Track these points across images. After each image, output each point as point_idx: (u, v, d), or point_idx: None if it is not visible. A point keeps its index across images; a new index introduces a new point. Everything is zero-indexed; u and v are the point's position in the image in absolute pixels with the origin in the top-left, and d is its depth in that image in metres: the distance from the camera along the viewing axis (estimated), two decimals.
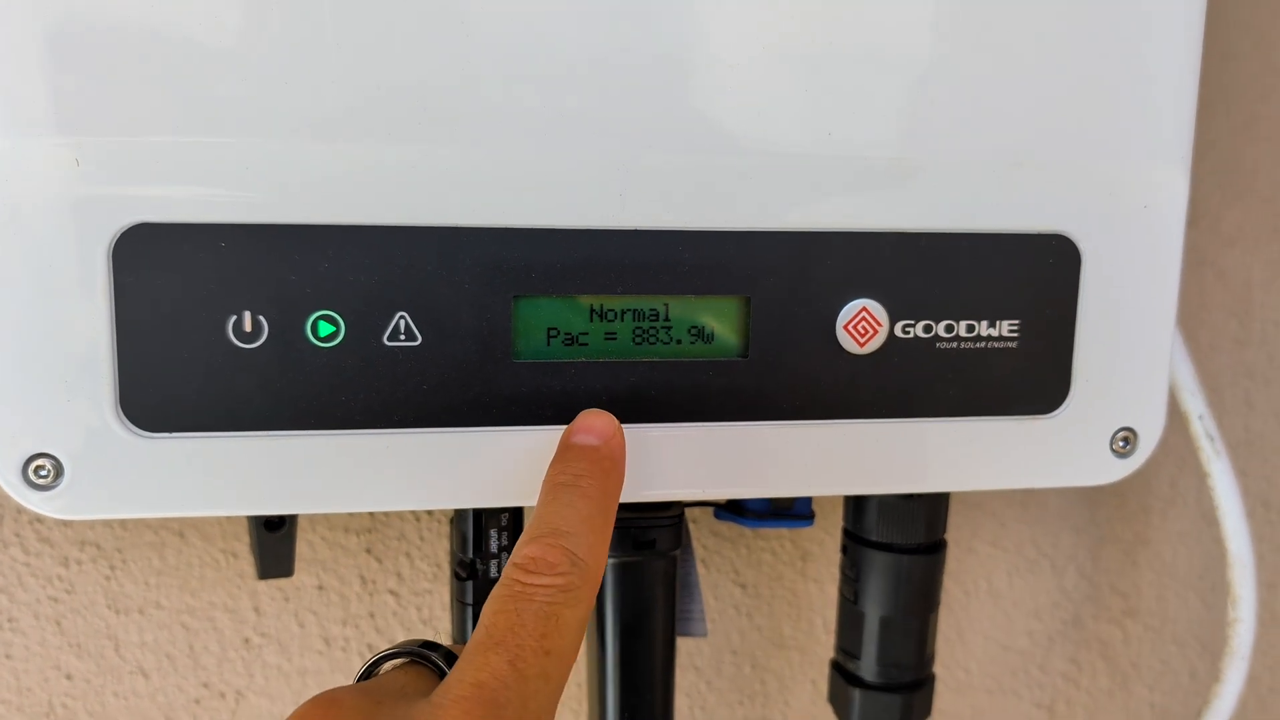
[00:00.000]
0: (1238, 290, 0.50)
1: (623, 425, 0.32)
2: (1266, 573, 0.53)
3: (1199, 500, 0.51)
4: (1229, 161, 0.49)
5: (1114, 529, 0.51)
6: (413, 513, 0.44)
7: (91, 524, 0.41)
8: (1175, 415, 0.43)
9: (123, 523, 0.42)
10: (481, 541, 0.35)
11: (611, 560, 0.35)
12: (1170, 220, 0.34)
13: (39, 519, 0.41)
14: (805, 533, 0.48)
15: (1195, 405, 0.43)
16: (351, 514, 0.43)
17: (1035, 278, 0.33)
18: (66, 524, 0.41)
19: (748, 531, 0.47)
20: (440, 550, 0.44)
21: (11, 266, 0.28)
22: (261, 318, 0.30)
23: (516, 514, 0.36)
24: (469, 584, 0.35)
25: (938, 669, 0.50)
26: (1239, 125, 0.49)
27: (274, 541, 0.34)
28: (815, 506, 0.41)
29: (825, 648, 0.49)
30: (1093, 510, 0.51)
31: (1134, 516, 0.51)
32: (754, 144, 0.31)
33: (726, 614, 0.48)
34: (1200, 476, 0.50)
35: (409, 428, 0.31)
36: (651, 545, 0.35)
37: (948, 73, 0.32)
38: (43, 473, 0.30)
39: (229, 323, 0.30)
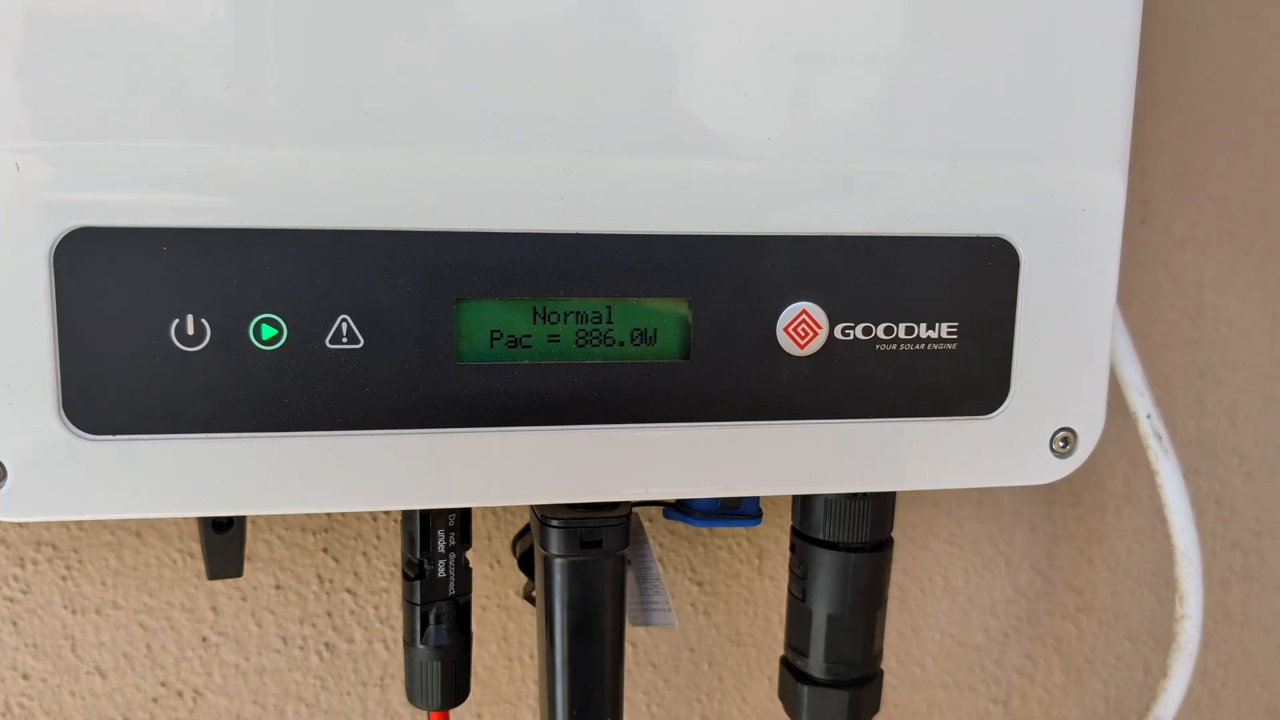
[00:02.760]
0: (1189, 290, 0.51)
1: (567, 427, 0.32)
2: (1219, 570, 0.54)
3: (1152, 498, 0.52)
4: (1181, 162, 0.49)
5: (1068, 526, 0.52)
6: (370, 512, 0.44)
7: (47, 524, 0.41)
8: (1125, 414, 0.43)
9: (79, 523, 0.42)
10: (429, 542, 0.35)
11: (560, 559, 0.36)
12: (1108, 222, 0.34)
13: None
14: (761, 530, 0.48)
15: (1143, 405, 0.43)
16: (309, 514, 0.44)
17: (974, 280, 0.34)
18: (22, 524, 0.41)
19: (704, 529, 0.48)
20: (398, 549, 0.45)
21: None
22: (204, 321, 0.30)
23: (464, 515, 0.36)
24: (417, 584, 0.35)
25: (894, 665, 0.51)
26: (1191, 126, 0.49)
27: (222, 542, 0.34)
28: (769, 504, 0.41)
29: (781, 644, 0.50)
30: (1048, 508, 0.51)
31: (1088, 514, 0.52)
32: (694, 149, 0.32)
33: (683, 611, 0.48)
34: (1153, 475, 0.51)
35: (352, 430, 0.31)
36: (598, 545, 0.36)
37: (886, 78, 0.32)
38: None
39: (172, 326, 0.30)
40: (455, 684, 0.36)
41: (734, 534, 0.48)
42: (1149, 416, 0.44)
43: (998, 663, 0.52)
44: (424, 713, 0.46)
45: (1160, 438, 0.44)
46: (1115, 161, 0.34)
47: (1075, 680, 0.53)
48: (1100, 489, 0.51)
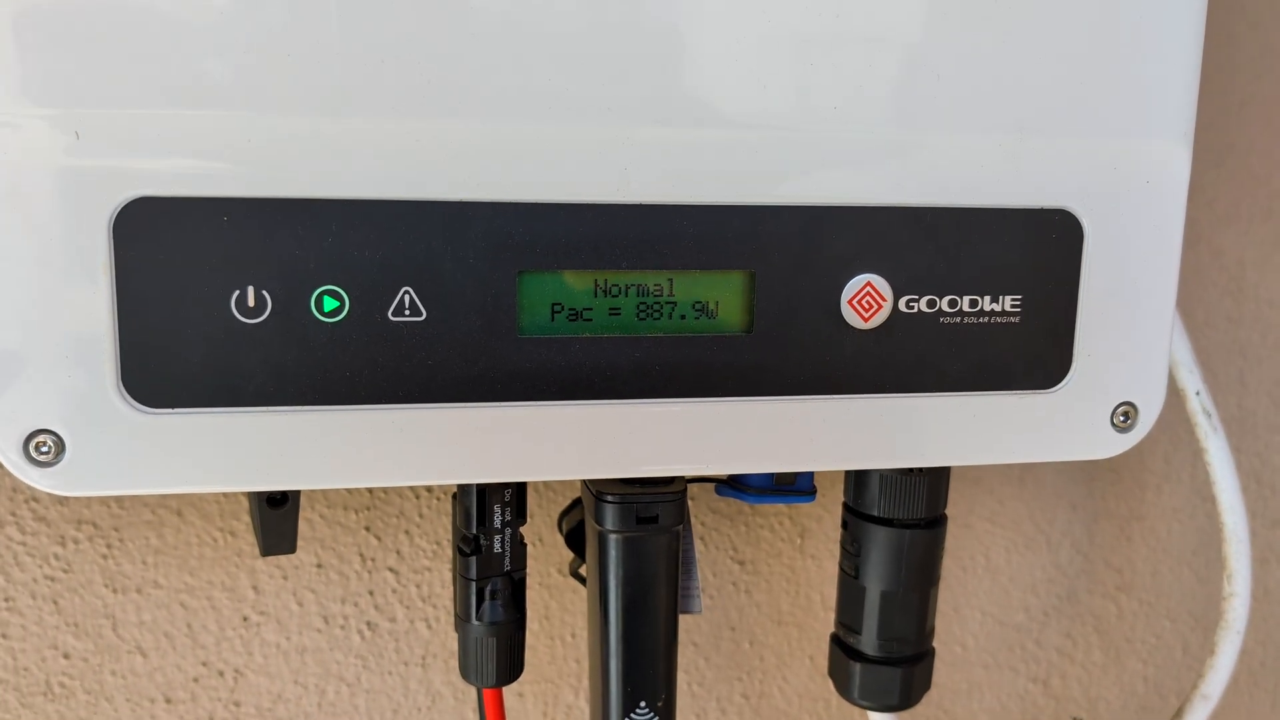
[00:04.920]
0: (1232, 269, 0.50)
1: (628, 401, 0.32)
2: (1259, 548, 0.53)
3: (1193, 476, 0.52)
4: (1224, 140, 0.49)
5: (1109, 505, 0.51)
6: (412, 490, 0.44)
7: (88, 503, 0.41)
8: (1172, 391, 0.43)
9: (120, 501, 0.41)
10: (485, 517, 0.35)
11: (615, 535, 0.35)
12: (1172, 195, 0.34)
13: (35, 498, 0.40)
14: (803, 509, 0.48)
15: (1192, 382, 0.43)
16: (351, 492, 0.43)
17: (1038, 253, 0.33)
18: (63, 503, 0.41)
19: (746, 508, 0.47)
20: (440, 527, 0.44)
21: (11, 241, 0.28)
22: (265, 292, 0.29)
23: (520, 490, 0.36)
24: (473, 559, 0.35)
25: (934, 644, 0.51)
26: (1234, 105, 0.49)
27: (276, 518, 0.34)
28: (814, 482, 0.41)
29: (823, 624, 0.49)
30: (1088, 486, 0.51)
31: (1129, 493, 0.51)
32: (758, 119, 0.31)
33: (725, 590, 0.48)
34: (1194, 453, 0.51)
35: (413, 403, 0.31)
36: (654, 520, 0.35)
37: (952, 48, 0.32)
38: (44, 449, 0.29)
39: (232, 297, 0.29)
40: (510, 660, 0.36)
41: (776, 513, 0.48)
42: (1198, 393, 0.43)
43: (1038, 642, 0.52)
44: (467, 691, 0.46)
45: (1209, 415, 0.43)
46: (1180, 134, 0.34)
47: (1114, 659, 0.53)
48: (1141, 467, 0.51)
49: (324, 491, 0.43)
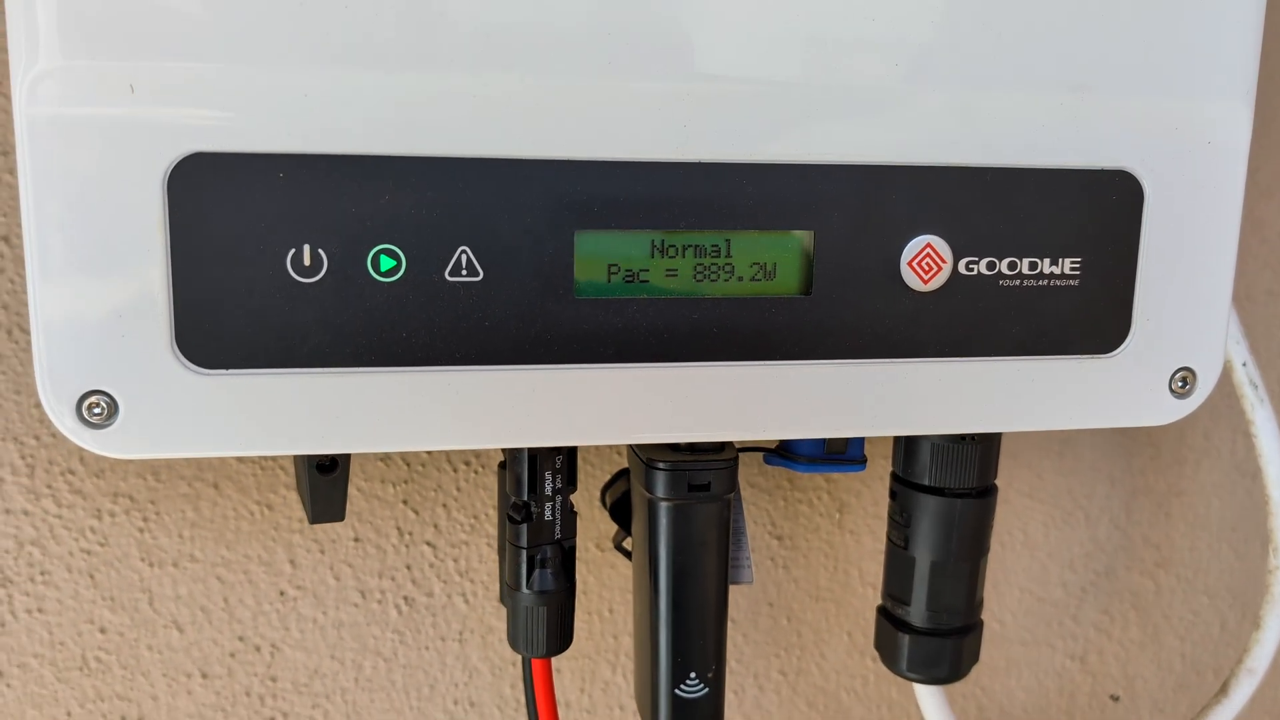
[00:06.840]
0: (1273, 242, 0.50)
1: (684, 363, 0.32)
2: None
3: (1233, 452, 0.51)
4: (1266, 112, 0.48)
5: (1148, 480, 0.51)
6: (450, 462, 0.43)
7: (124, 475, 0.41)
8: None
9: (156, 474, 0.41)
10: (537, 484, 0.34)
11: (665, 503, 0.35)
12: (1234, 156, 0.34)
13: (71, 470, 0.40)
14: (842, 484, 0.47)
15: (1239, 353, 0.43)
16: (388, 464, 0.43)
17: (1098, 215, 0.33)
18: (99, 475, 0.40)
19: (784, 482, 0.47)
20: (478, 500, 0.44)
21: (64, 197, 0.27)
22: (321, 251, 0.29)
23: (571, 456, 0.35)
24: (524, 527, 0.35)
25: None
26: (1276, 73, 0.48)
27: (326, 485, 0.33)
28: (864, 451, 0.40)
29: (862, 600, 0.49)
30: (1127, 461, 0.50)
31: (1168, 468, 0.51)
32: (820, 76, 0.31)
33: (763, 566, 0.48)
34: (1234, 429, 0.50)
35: (469, 365, 0.30)
36: (706, 488, 0.35)
37: (1013, 6, 0.31)
38: (97, 410, 0.29)
39: (288, 256, 0.29)
40: (560, 630, 0.36)
41: (814, 487, 0.47)
42: (1245, 364, 0.43)
43: (1075, 618, 0.52)
44: (504, 666, 0.45)
45: (1256, 386, 0.43)
46: (1241, 94, 0.33)
47: (1152, 636, 0.53)
48: (1180, 442, 0.51)
49: (361, 464, 0.43)
